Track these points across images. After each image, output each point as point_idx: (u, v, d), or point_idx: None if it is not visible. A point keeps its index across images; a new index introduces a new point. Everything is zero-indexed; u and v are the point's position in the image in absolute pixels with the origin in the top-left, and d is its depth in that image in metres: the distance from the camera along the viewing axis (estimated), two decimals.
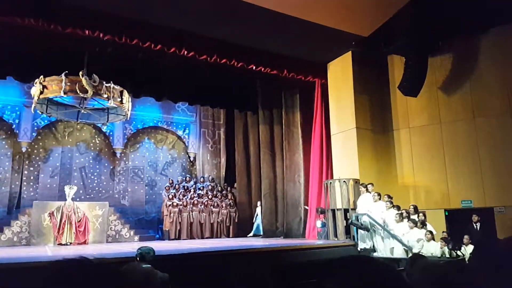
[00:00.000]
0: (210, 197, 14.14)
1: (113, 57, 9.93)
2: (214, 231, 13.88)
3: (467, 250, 7.71)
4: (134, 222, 13.74)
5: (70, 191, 11.61)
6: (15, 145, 13.01)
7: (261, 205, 13.70)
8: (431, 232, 8.23)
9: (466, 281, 1.47)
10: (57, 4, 8.41)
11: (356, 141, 10.85)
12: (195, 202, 13.82)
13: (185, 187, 14.35)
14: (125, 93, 9.93)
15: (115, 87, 9.52)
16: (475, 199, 10.05)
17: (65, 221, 11.00)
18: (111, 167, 14.47)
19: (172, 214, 13.25)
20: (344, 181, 10.34)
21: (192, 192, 14.09)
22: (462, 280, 1.58)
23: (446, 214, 10.33)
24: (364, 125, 11.17)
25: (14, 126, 13.01)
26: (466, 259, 7.29)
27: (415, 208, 9.28)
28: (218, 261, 7.06)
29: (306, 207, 11.99)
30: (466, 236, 8.10)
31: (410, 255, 7.25)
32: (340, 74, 11.63)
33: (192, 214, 13.62)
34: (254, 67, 11.16)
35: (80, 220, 11.27)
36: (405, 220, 8.80)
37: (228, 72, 11.23)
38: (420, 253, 7.08)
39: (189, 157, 15.96)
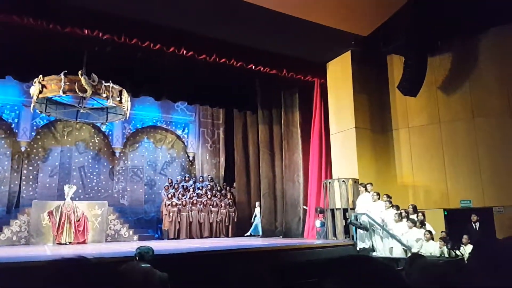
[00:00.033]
0: (209, 196, 14.14)
1: (112, 56, 9.92)
2: (213, 230, 13.88)
3: (466, 249, 7.71)
4: (133, 222, 13.76)
5: (69, 190, 11.61)
6: (14, 144, 13.01)
7: (260, 204, 13.68)
8: (430, 232, 8.23)
9: (465, 280, 1.47)
10: (56, 3, 8.41)
11: (355, 140, 10.85)
12: (194, 201, 13.81)
13: (184, 187, 14.34)
14: (124, 93, 9.93)
15: (114, 86, 9.52)
16: (474, 199, 10.05)
17: (64, 220, 10.99)
18: (110, 166, 14.47)
19: (171, 214, 13.25)
20: (343, 181, 10.34)
21: (191, 192, 14.09)
22: (461, 279, 1.58)
23: (445, 213, 10.33)
24: (363, 124, 11.17)
25: (13, 125, 13.00)
26: (465, 259, 7.30)
27: (414, 207, 9.27)
28: (217, 261, 7.06)
29: (305, 207, 11.97)
30: (465, 236, 8.10)
31: (409, 254, 7.27)
32: (339, 73, 11.62)
33: (191, 214, 13.62)
34: (253, 67, 11.15)
35: (79, 220, 11.27)
36: (404, 219, 8.80)
37: (227, 72, 11.22)
38: (419, 253, 7.10)
39: (188, 156, 15.96)
